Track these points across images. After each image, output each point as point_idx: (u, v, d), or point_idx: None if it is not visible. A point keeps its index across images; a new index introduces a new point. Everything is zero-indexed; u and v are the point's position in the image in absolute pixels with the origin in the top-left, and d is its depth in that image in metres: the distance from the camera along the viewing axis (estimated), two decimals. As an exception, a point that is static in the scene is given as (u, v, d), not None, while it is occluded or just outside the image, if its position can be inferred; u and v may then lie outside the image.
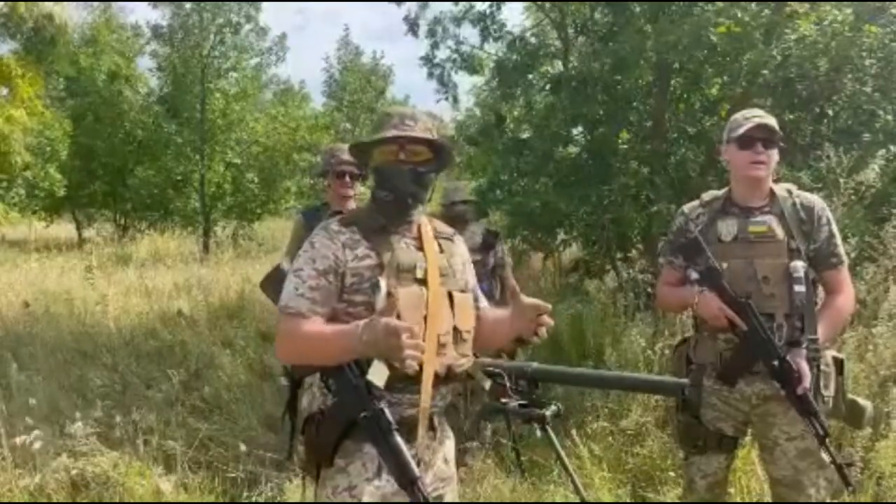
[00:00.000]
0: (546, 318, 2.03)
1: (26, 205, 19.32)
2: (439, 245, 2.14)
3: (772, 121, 2.64)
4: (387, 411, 1.88)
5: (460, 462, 3.46)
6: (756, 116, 2.64)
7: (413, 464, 1.85)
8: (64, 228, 21.99)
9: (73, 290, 8.73)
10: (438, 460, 2.10)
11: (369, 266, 1.99)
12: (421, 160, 2.07)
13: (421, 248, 2.08)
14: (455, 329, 2.07)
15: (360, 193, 3.99)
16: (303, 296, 1.96)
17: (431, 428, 2.07)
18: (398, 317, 1.88)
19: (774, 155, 2.62)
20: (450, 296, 2.08)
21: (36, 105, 16.52)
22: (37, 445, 3.81)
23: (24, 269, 11.04)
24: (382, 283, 1.95)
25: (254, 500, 3.77)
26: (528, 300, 2.04)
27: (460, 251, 2.25)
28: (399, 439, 1.86)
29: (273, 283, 2.13)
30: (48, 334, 6.86)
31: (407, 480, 1.84)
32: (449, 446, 2.17)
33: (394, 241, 2.04)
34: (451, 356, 2.04)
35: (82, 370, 5.87)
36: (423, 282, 2.02)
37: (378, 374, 1.85)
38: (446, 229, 2.25)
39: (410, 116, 2.10)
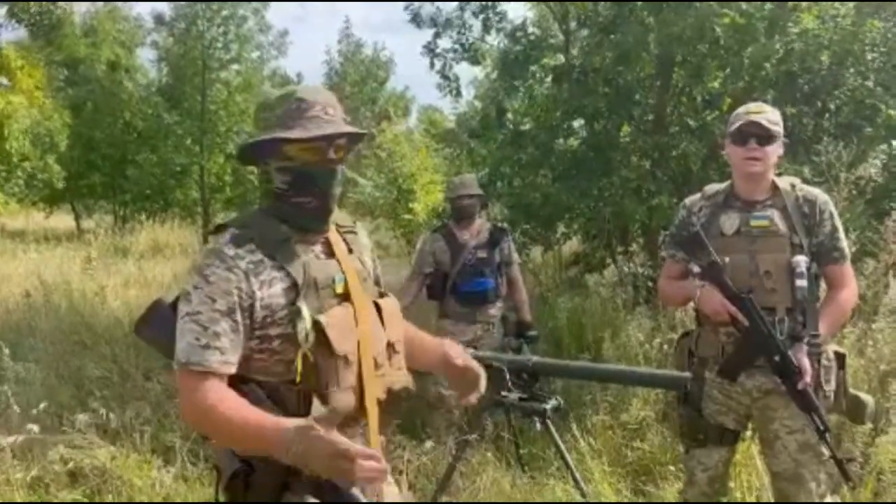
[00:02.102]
0: (477, 392, 1.89)
1: (25, 195, 19.28)
2: (346, 243, 1.83)
3: (771, 116, 2.62)
4: None
5: (459, 456, 3.45)
6: (754, 112, 2.62)
7: None
8: (62, 219, 21.97)
9: (72, 281, 8.71)
10: (386, 486, 1.84)
11: (281, 291, 1.65)
12: (343, 156, 1.75)
13: (331, 255, 1.76)
14: (388, 343, 1.80)
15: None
16: (207, 347, 1.59)
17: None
18: (329, 347, 1.63)
19: (772, 151, 2.59)
20: (377, 306, 1.81)
21: (37, 96, 16.48)
22: (35, 435, 3.81)
23: (23, 259, 11.03)
24: (304, 309, 1.63)
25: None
26: (471, 370, 1.89)
27: (365, 242, 1.92)
28: (357, 492, 1.58)
29: (152, 324, 1.75)
30: (47, 325, 6.84)
31: None
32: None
33: (301, 252, 1.70)
34: (388, 375, 1.78)
35: (81, 361, 5.86)
36: (344, 296, 1.72)
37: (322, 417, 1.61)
38: (346, 220, 1.89)
39: (331, 105, 1.73)
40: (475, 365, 1.93)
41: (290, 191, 1.72)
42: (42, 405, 4.18)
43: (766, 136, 2.57)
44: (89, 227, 18.70)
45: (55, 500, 3.62)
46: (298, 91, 1.72)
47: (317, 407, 1.62)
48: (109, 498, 3.63)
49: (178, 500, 3.66)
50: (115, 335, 6.70)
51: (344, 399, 1.67)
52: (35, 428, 3.75)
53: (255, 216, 1.76)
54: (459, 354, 1.99)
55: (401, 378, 1.83)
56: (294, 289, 1.66)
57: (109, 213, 21.00)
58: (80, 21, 20.93)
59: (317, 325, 1.63)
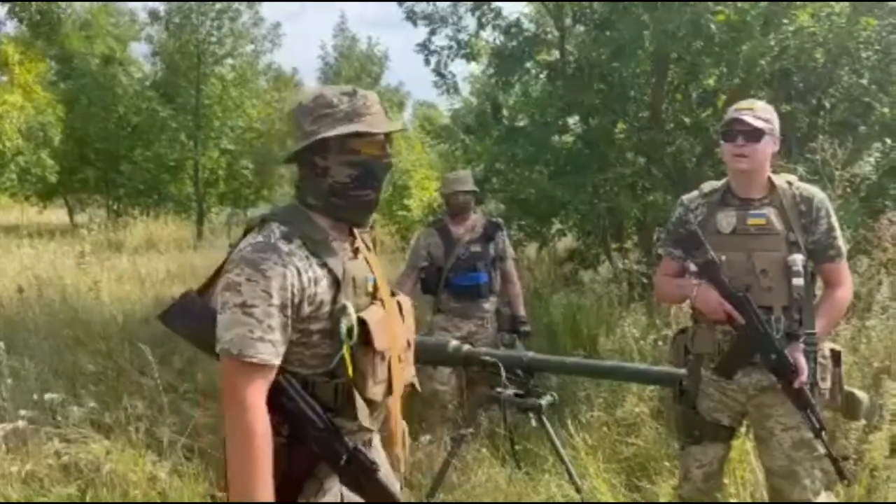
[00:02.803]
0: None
1: (18, 190, 19.21)
2: (365, 243, 1.90)
3: (760, 112, 2.61)
4: (363, 451, 1.73)
5: (454, 451, 3.46)
6: (743, 109, 2.62)
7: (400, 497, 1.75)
8: (56, 214, 21.88)
9: (65, 275, 8.69)
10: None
11: (325, 289, 1.70)
12: None
13: (356, 255, 1.83)
14: (407, 340, 1.91)
15: None
16: (262, 339, 1.61)
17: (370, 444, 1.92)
18: (371, 343, 1.71)
19: (761, 147, 2.58)
20: (398, 304, 1.90)
21: (35, 92, 16.42)
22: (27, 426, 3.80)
23: (16, 254, 10.98)
24: (349, 306, 1.69)
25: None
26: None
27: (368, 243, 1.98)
28: (383, 478, 1.72)
29: (182, 314, 1.78)
30: (41, 320, 6.82)
31: None
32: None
33: (338, 250, 1.77)
34: (408, 370, 1.89)
35: (75, 356, 5.84)
36: (373, 295, 1.81)
37: (363, 412, 1.72)
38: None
39: (382, 104, 1.82)
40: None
41: (352, 184, 1.76)
42: (35, 396, 4.17)
43: (752, 133, 2.57)
44: (83, 222, 18.64)
45: (49, 494, 3.62)
46: (347, 90, 1.78)
47: (360, 402, 1.71)
48: (104, 492, 3.62)
49: (173, 495, 3.66)
50: (110, 330, 6.69)
51: (379, 392, 1.77)
52: (24, 414, 3.74)
53: (295, 212, 1.80)
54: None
55: (412, 372, 1.93)
56: (336, 286, 1.72)
57: (103, 208, 20.91)
58: (75, 15, 20.84)
59: (361, 322, 1.70)
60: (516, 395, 3.76)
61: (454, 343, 3.29)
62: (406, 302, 1.94)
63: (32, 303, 7.42)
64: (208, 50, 18.27)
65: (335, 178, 1.76)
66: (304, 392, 1.70)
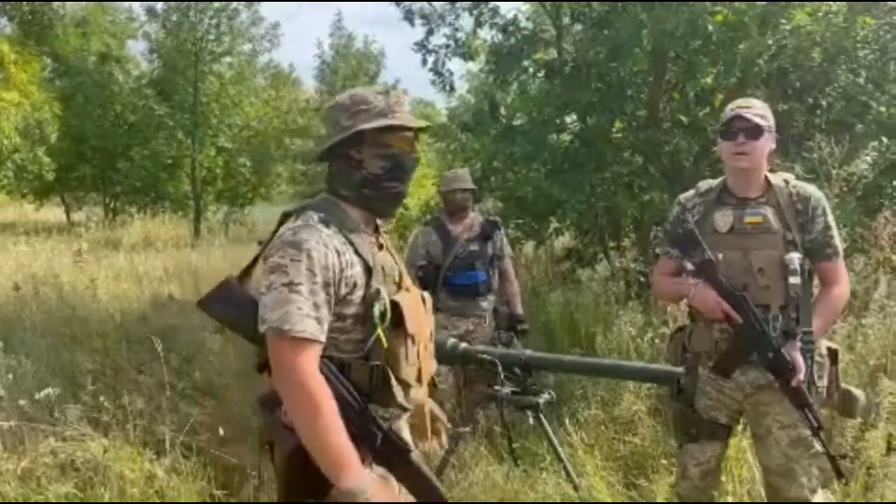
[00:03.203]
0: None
1: (15, 187, 19.16)
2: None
3: (759, 110, 2.62)
4: (396, 433, 1.81)
5: (452, 449, 3.46)
6: (742, 107, 2.63)
7: (437, 483, 1.82)
8: (53, 212, 21.83)
9: (62, 273, 8.68)
10: None
11: (359, 273, 1.80)
12: None
13: (380, 247, 1.93)
14: (430, 332, 2.01)
15: None
16: (309, 316, 1.69)
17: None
18: (403, 325, 1.80)
19: (760, 144, 2.59)
20: (422, 296, 2.00)
21: (31, 90, 16.37)
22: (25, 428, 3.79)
23: (13, 252, 10.96)
24: (383, 290, 1.79)
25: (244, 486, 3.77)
26: None
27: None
28: (415, 458, 1.79)
29: (222, 300, 1.84)
30: (38, 318, 6.81)
31: (437, 499, 1.79)
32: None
33: (367, 241, 1.87)
34: (432, 363, 1.98)
35: (72, 354, 5.83)
36: (399, 286, 1.90)
37: (400, 394, 1.81)
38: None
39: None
40: None
41: (384, 176, 1.87)
42: (37, 395, 4.16)
43: (753, 130, 2.57)
44: (80, 220, 18.61)
45: (46, 492, 3.61)
46: (379, 88, 1.92)
47: (395, 384, 1.78)
48: (101, 491, 3.61)
49: (171, 493, 3.65)
50: (107, 328, 6.68)
51: (411, 374, 1.85)
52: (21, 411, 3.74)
53: (329, 203, 1.89)
54: None
55: (434, 365, 2.02)
56: (367, 273, 1.81)
57: (100, 206, 20.87)
58: (71, 12, 20.80)
59: (394, 305, 1.80)
60: (514, 393, 3.77)
61: (452, 341, 3.30)
62: (427, 297, 2.02)
63: (29, 301, 7.41)
64: (206, 48, 18.23)
65: (369, 170, 1.87)
66: (340, 375, 1.76)
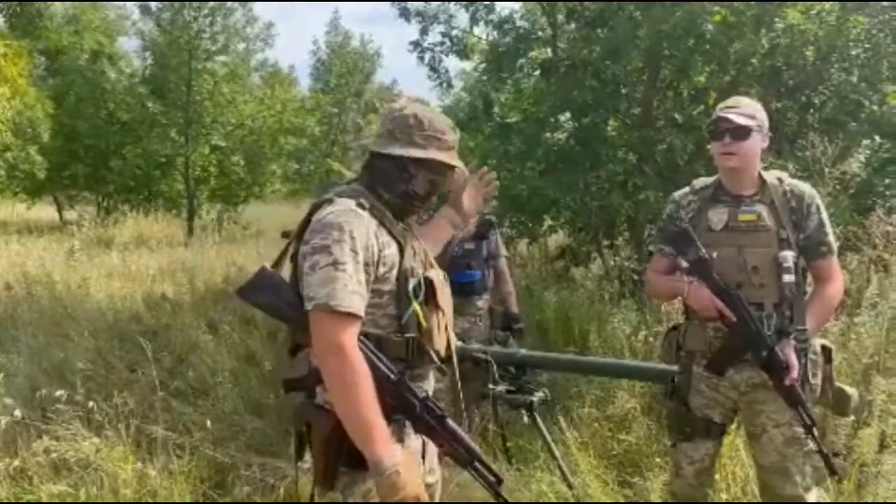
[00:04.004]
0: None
1: (6, 186, 19.07)
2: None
3: (745, 110, 2.61)
4: (433, 399, 1.92)
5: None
6: (729, 107, 2.63)
7: (474, 444, 1.93)
8: (45, 211, 21.74)
9: (55, 272, 8.64)
10: (431, 446, 2.07)
11: (393, 254, 1.93)
12: None
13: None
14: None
15: None
16: (354, 292, 1.80)
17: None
18: (435, 299, 1.94)
19: (748, 145, 2.58)
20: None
21: (20, 84, 16.27)
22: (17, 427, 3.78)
23: (5, 251, 10.91)
24: (417, 267, 1.94)
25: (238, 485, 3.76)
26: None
27: None
28: (452, 422, 1.91)
29: (260, 288, 1.93)
30: (30, 317, 6.79)
31: (472, 458, 1.90)
32: (432, 451, 2.12)
33: (398, 225, 2.01)
34: (453, 335, 2.10)
35: (65, 353, 5.81)
36: (427, 264, 2.04)
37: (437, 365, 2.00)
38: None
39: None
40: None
41: (423, 196, 2.06)
42: (25, 396, 4.14)
43: (738, 130, 2.57)
44: (72, 219, 18.52)
45: (38, 492, 3.60)
46: (447, 122, 2.08)
47: (431, 350, 1.93)
48: (94, 490, 3.60)
49: (163, 493, 3.64)
50: (99, 327, 6.66)
51: (442, 343, 1.98)
52: (13, 410, 3.72)
53: (361, 192, 2.00)
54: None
55: (454, 338, 2.11)
56: (401, 252, 1.94)
57: (92, 205, 20.78)
58: (62, 10, 20.70)
59: (427, 280, 1.94)
60: (508, 391, 3.78)
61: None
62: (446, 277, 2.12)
63: (21, 300, 7.38)
64: (200, 46, 18.16)
65: (415, 188, 2.03)
66: (376, 349, 1.87)
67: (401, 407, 1.87)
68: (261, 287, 1.93)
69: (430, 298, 1.94)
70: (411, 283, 1.90)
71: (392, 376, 1.85)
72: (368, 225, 1.88)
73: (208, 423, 4.13)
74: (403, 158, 2.00)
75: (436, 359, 1.97)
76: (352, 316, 1.80)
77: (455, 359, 2.05)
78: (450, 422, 1.90)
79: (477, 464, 1.89)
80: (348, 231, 1.84)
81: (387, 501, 1.74)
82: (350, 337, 1.79)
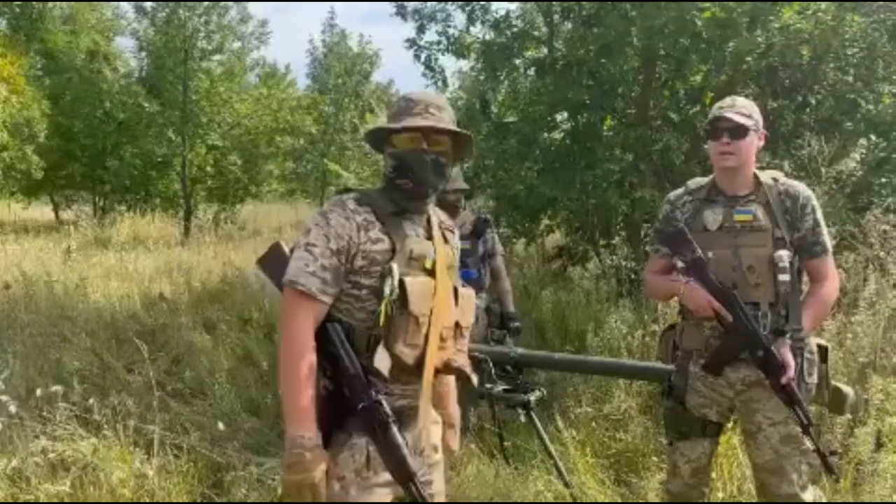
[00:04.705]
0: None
1: (3, 186, 19.02)
2: (444, 236, 2.13)
3: (743, 109, 2.62)
4: (384, 403, 1.87)
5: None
6: (725, 107, 2.64)
7: (410, 460, 1.87)
8: (41, 210, 21.71)
9: (52, 272, 8.63)
10: (428, 447, 2.08)
11: (382, 251, 1.95)
12: (442, 150, 2.03)
13: (429, 238, 2.06)
14: (457, 324, 2.07)
15: None
16: (314, 274, 1.90)
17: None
18: (407, 305, 1.90)
19: (746, 144, 2.60)
20: (455, 289, 2.08)
21: (18, 83, 16.25)
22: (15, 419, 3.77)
23: (1, 251, 10.90)
24: (395, 268, 1.92)
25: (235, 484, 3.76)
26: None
27: (455, 244, 2.24)
28: (396, 433, 1.86)
29: (271, 262, 2.05)
30: (26, 317, 6.78)
31: (404, 476, 1.85)
32: (436, 432, 2.15)
33: (406, 227, 2.02)
34: (450, 350, 2.04)
35: (62, 353, 5.81)
36: (431, 273, 2.00)
37: (383, 362, 1.88)
38: (449, 221, 2.23)
39: (435, 105, 2.05)
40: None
41: (393, 174, 2.04)
42: (22, 397, 4.14)
43: (736, 129, 2.58)
44: (69, 219, 18.50)
45: (36, 492, 3.59)
46: (410, 93, 2.09)
47: (381, 351, 1.89)
48: (91, 490, 3.60)
49: (161, 493, 3.64)
50: (96, 327, 6.65)
51: (406, 352, 1.94)
52: (10, 410, 3.72)
53: (373, 190, 2.11)
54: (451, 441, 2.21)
55: (459, 358, 2.09)
56: (391, 252, 1.96)
57: (89, 205, 20.75)
58: (59, 11, 20.66)
59: (401, 284, 1.91)
60: (505, 390, 3.78)
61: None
62: (465, 292, 2.12)
63: (18, 300, 7.37)
64: (196, 45, 18.14)
65: (385, 169, 2.08)
66: (344, 338, 1.91)
67: (351, 399, 1.89)
68: (270, 263, 2.04)
69: (403, 304, 1.91)
70: (386, 283, 1.90)
71: (350, 368, 1.88)
72: (351, 216, 1.94)
73: (206, 422, 4.13)
74: (373, 145, 2.12)
75: (383, 364, 1.90)
76: (306, 295, 1.89)
77: (428, 374, 1.96)
78: (394, 433, 1.86)
79: (412, 484, 1.85)
80: (327, 218, 1.94)
81: (285, 478, 1.83)
82: (300, 316, 1.89)
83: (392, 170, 2.04)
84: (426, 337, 1.96)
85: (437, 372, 2.01)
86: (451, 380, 2.19)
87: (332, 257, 1.91)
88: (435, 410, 2.12)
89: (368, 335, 1.93)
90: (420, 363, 1.95)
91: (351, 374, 1.88)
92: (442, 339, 2.00)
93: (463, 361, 2.09)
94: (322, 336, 1.91)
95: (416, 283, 1.94)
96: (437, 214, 2.16)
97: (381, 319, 1.90)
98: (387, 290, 1.89)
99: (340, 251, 1.92)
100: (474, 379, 2.15)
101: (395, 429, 1.86)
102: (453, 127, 2.04)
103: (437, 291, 1.99)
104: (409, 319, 1.93)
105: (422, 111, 2.01)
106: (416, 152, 2.00)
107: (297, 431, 1.82)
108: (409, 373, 1.95)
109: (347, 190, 2.06)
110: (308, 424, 1.83)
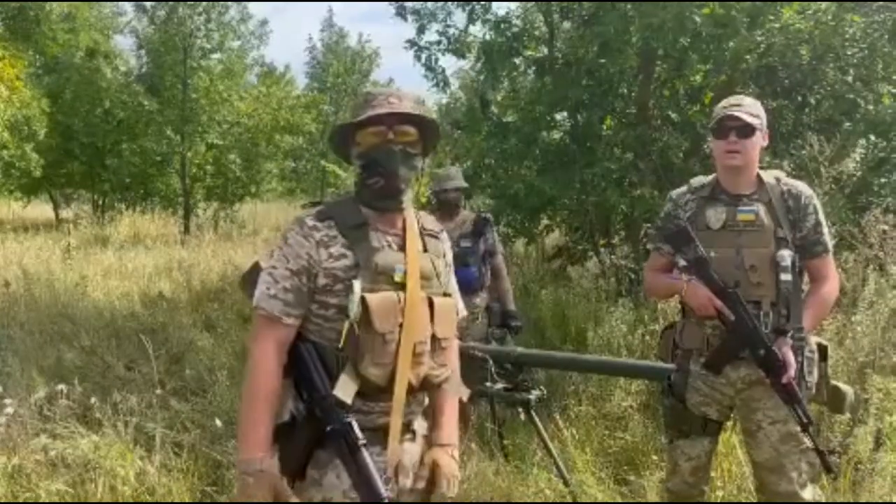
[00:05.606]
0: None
1: (2, 184, 19.02)
2: (424, 243, 2.00)
3: (751, 108, 2.63)
4: (355, 426, 1.79)
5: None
6: (733, 105, 2.64)
7: (380, 483, 1.77)
8: (41, 209, 21.69)
9: (51, 270, 8.63)
10: (402, 471, 1.95)
11: (344, 267, 1.86)
12: (409, 141, 1.92)
13: (403, 248, 1.94)
14: (434, 337, 1.94)
15: None
16: (275, 297, 1.86)
17: (409, 431, 1.98)
18: (370, 324, 1.81)
19: (752, 143, 2.60)
20: (430, 301, 1.94)
21: (17, 86, 16.24)
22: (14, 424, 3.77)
23: (1, 249, 10.90)
24: (356, 286, 1.82)
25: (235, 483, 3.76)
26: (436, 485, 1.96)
27: (445, 249, 2.11)
28: (366, 456, 1.78)
29: (250, 282, 2.00)
30: (26, 315, 6.78)
31: (373, 499, 1.76)
32: (415, 451, 2.01)
33: (373, 239, 1.90)
34: (427, 365, 1.93)
35: (61, 351, 5.81)
36: (401, 286, 1.89)
37: (345, 390, 1.81)
38: (434, 225, 2.09)
39: (395, 95, 1.94)
40: (443, 484, 1.98)
41: (363, 173, 1.95)
42: (21, 395, 4.14)
43: (744, 128, 2.59)
44: (68, 217, 18.48)
45: (37, 490, 3.59)
46: (370, 88, 2.00)
47: (349, 370, 1.83)
48: (92, 488, 3.60)
49: (162, 491, 3.64)
50: (96, 325, 6.65)
51: (375, 372, 1.85)
52: (10, 408, 3.72)
53: (343, 200, 2.01)
54: (445, 469, 1.99)
55: (440, 372, 1.98)
56: (355, 268, 1.86)
57: (88, 203, 20.74)
58: (58, 9, 20.63)
59: (363, 302, 1.82)
60: (505, 389, 3.79)
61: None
62: (441, 302, 1.97)
63: (18, 298, 7.37)
64: (195, 44, 18.13)
65: (357, 170, 1.98)
66: (316, 359, 1.86)
67: (321, 420, 1.82)
68: (251, 282, 2.00)
69: (367, 322, 1.81)
70: (350, 301, 1.82)
71: (321, 388, 1.82)
72: (309, 234, 1.88)
73: (206, 420, 4.13)
74: (340, 152, 2.06)
75: (348, 386, 1.82)
76: (270, 319, 1.87)
77: (399, 392, 1.86)
78: (363, 454, 1.78)
79: None
80: (286, 238, 1.91)
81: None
82: (264, 339, 1.87)
83: (361, 170, 1.95)
84: (396, 355, 1.86)
85: (414, 389, 1.91)
86: (441, 396, 2.04)
87: (292, 277, 1.86)
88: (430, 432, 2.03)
89: (337, 355, 1.86)
90: (393, 381, 1.86)
91: (322, 396, 1.82)
92: (416, 355, 1.88)
93: (445, 375, 1.99)
94: (293, 357, 1.87)
95: (379, 299, 1.83)
96: (420, 219, 2.05)
97: (342, 341, 1.84)
98: (351, 309, 1.81)
99: (300, 271, 1.86)
100: (464, 395, 2.10)
101: (364, 452, 1.78)
102: (416, 111, 1.92)
103: (408, 306, 1.87)
104: (375, 338, 1.83)
105: (381, 102, 1.91)
106: (382, 146, 1.90)
107: (243, 454, 1.81)
108: (385, 391, 1.86)
109: (315, 203, 1.99)
110: (254, 448, 1.80)
